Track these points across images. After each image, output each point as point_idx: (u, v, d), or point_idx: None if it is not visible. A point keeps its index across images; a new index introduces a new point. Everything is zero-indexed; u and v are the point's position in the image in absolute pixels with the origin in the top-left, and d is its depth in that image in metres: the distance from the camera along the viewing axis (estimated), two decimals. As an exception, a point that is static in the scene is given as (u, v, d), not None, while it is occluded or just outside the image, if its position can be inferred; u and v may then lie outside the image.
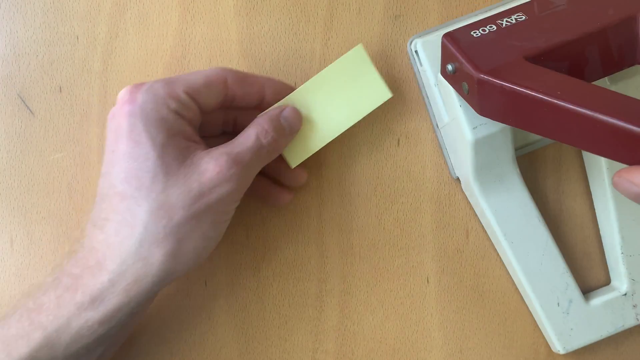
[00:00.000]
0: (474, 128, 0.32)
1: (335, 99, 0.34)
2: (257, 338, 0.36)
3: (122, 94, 0.29)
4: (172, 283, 0.36)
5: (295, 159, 0.34)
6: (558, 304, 0.34)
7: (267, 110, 0.33)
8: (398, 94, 0.37)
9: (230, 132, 0.34)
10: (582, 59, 0.29)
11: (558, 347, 0.34)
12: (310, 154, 0.34)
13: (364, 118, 0.37)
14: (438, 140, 0.37)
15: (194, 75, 0.30)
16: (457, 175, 0.36)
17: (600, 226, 0.37)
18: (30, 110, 0.37)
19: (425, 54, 0.35)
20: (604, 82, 0.34)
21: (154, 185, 0.27)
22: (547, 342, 0.36)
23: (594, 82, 0.29)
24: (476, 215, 0.37)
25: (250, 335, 0.36)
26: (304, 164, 0.34)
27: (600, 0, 0.29)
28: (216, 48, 0.37)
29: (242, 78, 0.32)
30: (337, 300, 0.36)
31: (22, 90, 0.37)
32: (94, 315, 0.27)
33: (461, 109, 0.32)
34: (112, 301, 0.27)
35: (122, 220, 0.27)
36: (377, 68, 0.34)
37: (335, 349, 0.36)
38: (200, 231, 0.28)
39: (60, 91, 0.37)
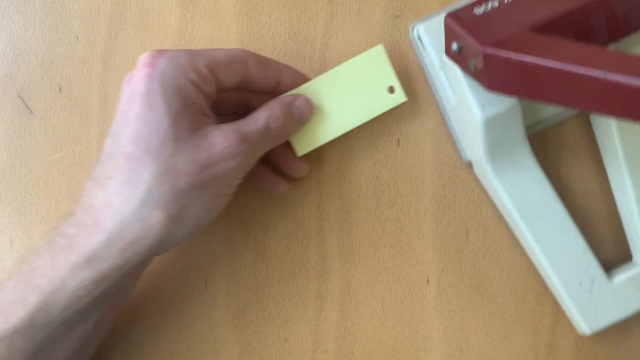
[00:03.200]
0: (482, 107, 0.31)
1: (350, 95, 0.34)
2: (257, 338, 0.36)
3: (143, 57, 0.29)
4: (172, 283, 0.36)
5: (302, 148, 0.34)
6: (581, 283, 0.33)
7: (280, 96, 0.33)
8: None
9: (241, 113, 0.34)
10: (587, 27, 0.29)
11: (584, 327, 0.34)
12: (318, 146, 0.34)
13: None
14: (447, 125, 0.36)
15: (217, 51, 0.30)
16: (468, 158, 0.36)
17: (617, 202, 0.36)
18: (30, 110, 0.37)
19: (428, 38, 0.34)
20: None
21: (163, 150, 0.27)
22: (547, 342, 0.36)
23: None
24: (476, 214, 0.37)
25: (250, 335, 0.36)
26: (307, 157, 0.34)
27: None
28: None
29: (263, 61, 0.32)
30: (337, 300, 0.36)
31: (22, 90, 0.37)
32: (90, 274, 0.27)
33: (469, 88, 0.31)
34: (108, 261, 0.27)
35: (126, 180, 0.27)
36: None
37: (335, 349, 0.36)
38: (202, 201, 0.29)
39: (60, 91, 0.37)
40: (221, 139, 0.28)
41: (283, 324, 0.36)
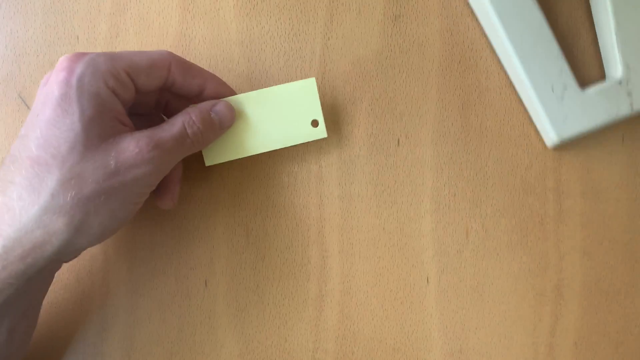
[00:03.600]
0: None
1: (274, 118, 0.34)
2: (257, 338, 0.36)
3: (62, 60, 0.28)
4: (172, 283, 0.36)
5: (212, 158, 0.34)
6: (552, 89, 0.34)
7: (201, 103, 0.33)
8: None
9: (160, 113, 0.35)
10: None
11: (552, 135, 0.35)
12: (229, 160, 0.34)
13: (363, 119, 0.37)
14: None
15: (139, 55, 0.30)
16: None
17: (594, 14, 0.36)
18: (30, 110, 0.37)
19: None
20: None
21: (70, 156, 0.27)
22: (547, 342, 0.36)
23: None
24: (476, 214, 0.37)
25: (250, 335, 0.36)
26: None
27: None
28: (216, 48, 0.37)
29: (187, 67, 0.32)
30: (337, 300, 0.36)
31: (23, 90, 0.37)
32: None
33: None
34: (7, 268, 0.27)
35: (29, 186, 0.27)
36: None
37: (335, 349, 0.36)
38: (108, 208, 0.28)
39: (61, 91, 0.37)
40: (132, 145, 0.28)
41: (283, 324, 0.36)
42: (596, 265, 0.37)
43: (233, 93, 0.34)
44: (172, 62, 0.31)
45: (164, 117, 0.35)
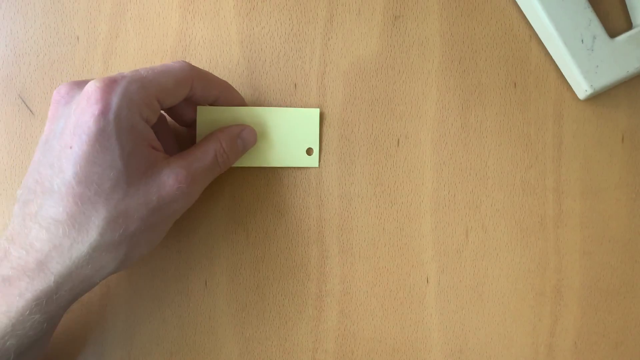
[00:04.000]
0: None
1: (272, 137, 0.35)
2: (257, 338, 0.36)
3: (94, 90, 0.27)
4: (172, 283, 0.36)
5: None
6: (582, 40, 0.34)
7: (228, 122, 0.34)
8: None
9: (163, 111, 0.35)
10: None
11: (585, 86, 0.34)
12: None
13: (363, 119, 0.37)
14: None
15: (165, 76, 0.30)
16: None
17: None
18: (30, 110, 0.37)
19: None
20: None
21: (114, 193, 0.27)
22: (546, 342, 0.36)
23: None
24: (476, 214, 0.37)
25: (250, 335, 0.36)
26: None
27: None
28: (216, 48, 0.37)
29: (206, 80, 0.32)
30: (337, 300, 0.36)
31: (23, 90, 0.37)
32: (40, 317, 0.27)
33: None
34: (57, 301, 0.27)
35: (75, 223, 0.27)
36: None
37: (335, 349, 0.36)
38: (149, 239, 0.30)
39: (61, 91, 0.37)
40: (172, 180, 0.29)
41: (283, 324, 0.36)
42: (596, 266, 0.37)
43: (243, 102, 0.35)
44: (195, 77, 0.31)
45: (165, 114, 0.35)
